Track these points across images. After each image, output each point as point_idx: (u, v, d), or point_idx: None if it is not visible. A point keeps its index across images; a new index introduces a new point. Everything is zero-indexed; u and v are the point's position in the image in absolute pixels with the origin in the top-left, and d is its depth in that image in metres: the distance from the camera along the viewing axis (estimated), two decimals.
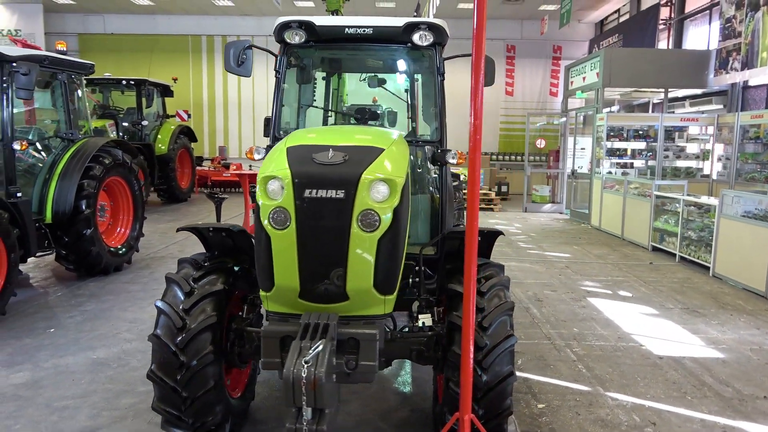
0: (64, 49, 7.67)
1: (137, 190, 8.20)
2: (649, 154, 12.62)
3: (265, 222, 2.93)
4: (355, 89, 7.09)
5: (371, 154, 3.16)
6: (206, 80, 20.49)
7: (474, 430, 3.14)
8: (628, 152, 12.82)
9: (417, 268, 3.89)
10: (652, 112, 15.07)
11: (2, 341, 5.28)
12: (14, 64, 6.23)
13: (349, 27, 4.56)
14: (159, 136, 15.08)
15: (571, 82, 14.95)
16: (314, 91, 5.90)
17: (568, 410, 4.15)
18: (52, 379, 4.51)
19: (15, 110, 6.48)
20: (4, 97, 6.31)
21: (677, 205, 9.33)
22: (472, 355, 2.94)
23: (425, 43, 4.50)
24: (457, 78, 20.13)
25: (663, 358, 5.19)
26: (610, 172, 12.58)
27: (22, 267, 7.77)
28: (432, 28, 4.54)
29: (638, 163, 12.89)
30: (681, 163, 12.85)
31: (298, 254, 2.89)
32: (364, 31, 4.56)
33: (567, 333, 5.78)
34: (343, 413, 4.04)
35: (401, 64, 5.41)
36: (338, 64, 5.63)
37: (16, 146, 6.33)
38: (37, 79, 6.40)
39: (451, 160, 4.63)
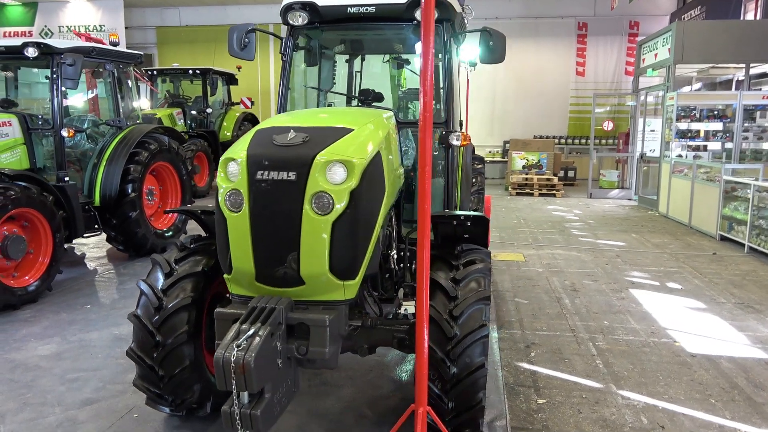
0: (116, 40, 8.06)
1: (185, 175, 8.53)
2: (726, 136, 11.58)
3: (222, 204, 2.93)
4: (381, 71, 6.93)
5: (334, 134, 3.06)
6: (273, 68, 20.96)
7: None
8: (701, 134, 11.82)
9: (402, 253, 3.78)
10: (736, 89, 13.80)
11: (42, 315, 5.68)
12: (62, 56, 6.62)
13: (351, 6, 4.45)
14: (224, 123, 15.65)
15: (643, 60, 13.97)
16: (334, 74, 5.85)
17: (570, 407, 3.90)
18: (74, 352, 4.79)
19: (79, 100, 6.91)
20: (54, 87, 6.73)
21: (748, 190, 8.51)
22: (426, 345, 2.80)
23: None
24: (529, 58, 19.30)
25: (696, 357, 4.76)
26: (680, 156, 11.67)
27: (82, 247, 8.34)
28: (437, 3, 4.33)
29: (713, 145, 11.87)
30: (766, 145, 11.70)
31: (252, 237, 2.86)
32: (367, 9, 4.44)
33: (595, 326, 5.44)
34: (334, 398, 4.02)
35: (408, 43, 5.23)
36: (345, 44, 5.51)
37: (64, 133, 6.74)
38: (83, 70, 6.78)
39: (454, 142, 4.45)
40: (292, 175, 2.81)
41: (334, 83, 5.82)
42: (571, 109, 19.59)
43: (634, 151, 14.25)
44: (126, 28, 20.16)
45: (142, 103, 15.55)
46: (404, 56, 5.99)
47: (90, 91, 8.40)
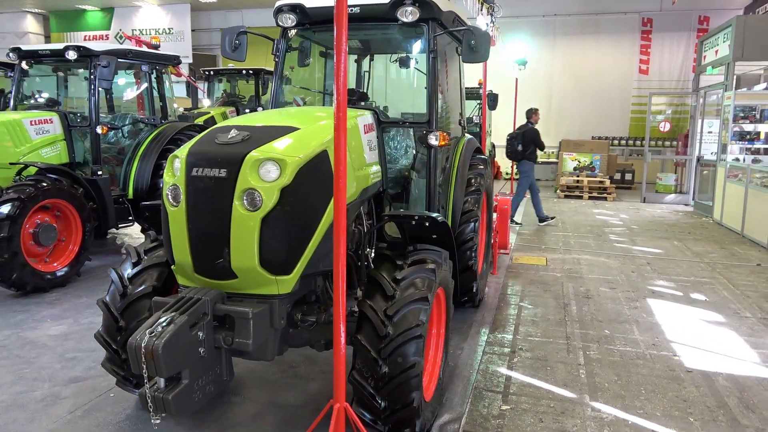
0: (157, 43, 8.54)
1: None
2: None
3: (165, 199, 3.08)
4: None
5: (276, 133, 3.15)
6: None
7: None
8: (761, 136, 11.01)
9: (359, 251, 3.82)
10: None
11: (65, 298, 6.13)
12: (98, 58, 7.09)
13: None
14: None
15: (704, 57, 13.17)
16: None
17: (533, 416, 3.79)
18: (80, 333, 5.15)
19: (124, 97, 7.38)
20: (91, 87, 7.22)
21: None
22: (343, 342, 2.83)
23: (410, 20, 4.30)
24: (588, 55, 18.62)
25: (691, 372, 4.49)
26: (737, 159, 10.93)
27: (123, 237, 8.89)
28: (420, 3, 4.33)
29: None
30: None
31: (188, 231, 3.00)
32: (352, 10, 4.50)
33: (593, 334, 5.23)
34: (299, 390, 4.11)
35: (397, 43, 5.24)
36: (331, 45, 5.56)
37: (98, 130, 7.22)
38: (126, 71, 7.24)
39: (432, 142, 4.44)
40: (223, 172, 2.93)
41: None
42: (633, 109, 18.74)
43: (692, 153, 13.46)
44: (192, 30, 21.17)
45: (204, 101, 16.35)
46: (410, 56, 5.99)
47: (131, 91, 8.90)
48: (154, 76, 8.28)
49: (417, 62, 5.92)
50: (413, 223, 3.74)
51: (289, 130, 3.23)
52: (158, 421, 2.70)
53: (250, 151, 2.95)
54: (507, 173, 16.61)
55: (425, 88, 4.59)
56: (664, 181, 14.58)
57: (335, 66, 2.66)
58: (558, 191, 15.11)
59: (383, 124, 4.50)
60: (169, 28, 21.02)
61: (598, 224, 10.88)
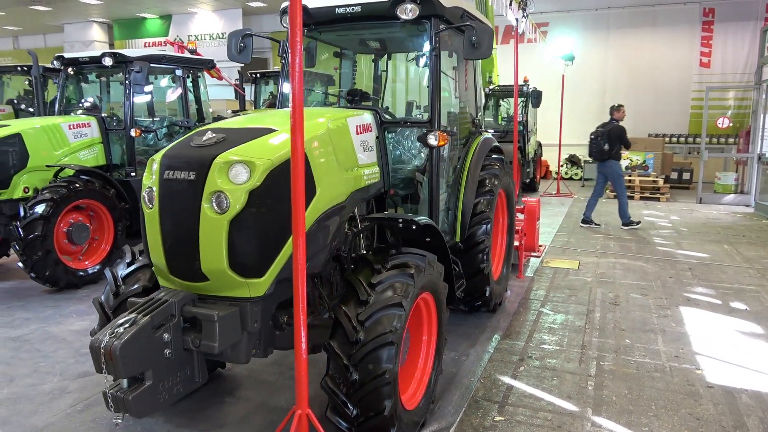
0: (194, 47, 8.78)
1: None
2: None
3: (142, 201, 3.14)
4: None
5: (251, 135, 3.15)
6: None
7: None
8: None
9: (353, 254, 3.75)
10: None
11: (94, 295, 6.35)
12: (132, 64, 7.36)
13: (338, 7, 4.50)
14: None
15: (767, 48, 12.30)
16: (354, 74, 5.91)
17: (527, 428, 3.62)
18: None
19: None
20: (126, 92, 7.50)
21: None
22: (304, 348, 2.78)
23: (411, 17, 4.21)
24: (644, 49, 17.91)
25: (713, 388, 4.17)
26: None
27: None
28: (420, 0, 4.22)
29: None
30: None
31: (161, 233, 3.03)
32: (353, 9, 4.46)
33: (612, 344, 4.96)
34: (294, 395, 4.08)
35: (401, 41, 5.13)
36: (341, 45, 5.51)
37: (132, 133, 7.49)
38: (149, 75, 7.48)
39: (432, 142, 4.33)
40: (192, 175, 2.94)
41: (354, 83, 5.88)
42: (694, 105, 17.75)
43: (754, 151, 12.60)
44: None
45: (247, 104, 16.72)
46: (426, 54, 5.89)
47: (171, 94, 9.19)
48: (190, 79, 8.51)
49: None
50: (400, 225, 3.65)
51: (266, 131, 3.22)
52: (119, 421, 2.74)
53: (219, 153, 2.95)
54: (557, 173, 16.14)
55: (427, 86, 4.48)
56: (723, 181, 13.73)
57: (290, 65, 2.62)
58: (607, 191, 14.50)
59: (385, 124, 4.43)
60: (222, 33, 21.65)
61: (645, 226, 10.36)
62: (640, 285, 6.69)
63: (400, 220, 3.62)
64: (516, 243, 6.97)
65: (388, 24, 4.55)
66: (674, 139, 17.54)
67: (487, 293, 5.29)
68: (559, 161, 15.67)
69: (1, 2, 20.19)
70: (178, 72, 8.28)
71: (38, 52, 9.38)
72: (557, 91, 15.15)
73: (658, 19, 17.71)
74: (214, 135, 3.13)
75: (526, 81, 14.26)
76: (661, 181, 13.85)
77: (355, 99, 4.76)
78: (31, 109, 10.81)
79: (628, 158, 14.97)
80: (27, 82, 11.39)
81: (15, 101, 12.65)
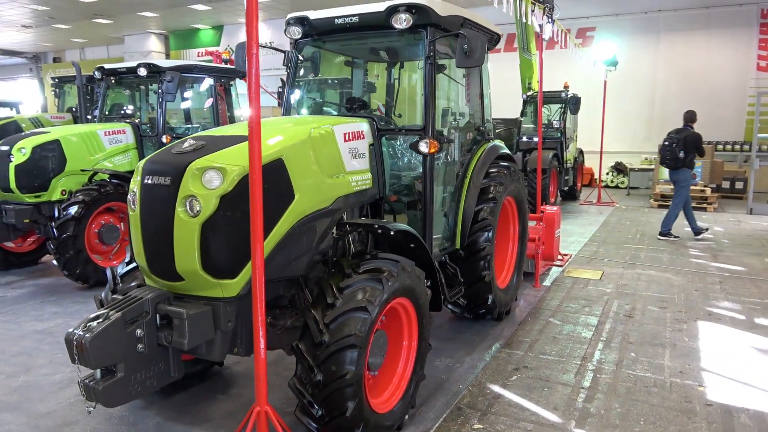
0: (227, 57, 9.13)
1: None
2: None
3: (127, 203, 3.34)
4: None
5: (228, 142, 3.30)
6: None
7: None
8: None
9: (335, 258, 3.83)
10: None
11: None
12: (164, 73, 7.74)
13: (338, 17, 4.62)
14: None
15: None
16: (365, 82, 6.00)
17: None
18: None
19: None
20: (158, 100, 7.89)
21: None
22: (263, 346, 2.88)
23: (405, 26, 4.29)
24: (696, 52, 17.27)
25: (711, 406, 4.00)
26: None
27: None
28: (415, 9, 4.29)
29: None
30: None
31: (141, 234, 3.22)
32: (351, 19, 4.57)
33: (614, 357, 4.83)
34: (284, 393, 4.20)
35: (400, 50, 5.19)
36: (347, 54, 5.60)
37: (163, 139, 7.86)
38: (180, 84, 7.85)
39: (423, 149, 4.38)
40: (168, 180, 3.11)
41: (364, 90, 5.97)
42: (750, 110, 16.90)
43: None
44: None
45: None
46: (439, 62, 5.92)
47: (207, 102, 9.58)
48: (215, 88, 8.84)
49: (445, 68, 5.85)
50: (378, 232, 3.71)
51: (243, 139, 3.35)
52: (91, 409, 2.92)
53: (192, 160, 3.11)
54: (604, 181, 15.71)
55: (422, 95, 4.53)
56: None
57: (247, 71, 2.74)
58: (651, 200, 14.01)
59: (381, 132, 4.50)
60: (269, 42, 22.28)
61: (684, 237, 9.96)
62: (661, 298, 6.47)
63: (377, 227, 3.68)
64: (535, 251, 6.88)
65: (385, 33, 4.64)
66: (728, 147, 16.75)
67: (490, 301, 5.26)
68: (600, 169, 15.24)
69: (67, 16, 21.53)
70: (209, 81, 8.62)
71: (102, 62, 9.96)
72: (599, 97, 14.79)
73: (712, 22, 17.00)
74: (194, 142, 3.30)
75: (566, 87, 13.99)
76: (708, 191, 13.26)
77: (353, 107, 4.86)
78: (89, 117, 11.49)
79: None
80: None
81: (74, 109, 13.50)
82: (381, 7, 4.40)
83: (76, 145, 7.31)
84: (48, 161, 7.07)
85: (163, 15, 21.62)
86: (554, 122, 13.76)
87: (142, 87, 8.77)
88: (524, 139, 13.23)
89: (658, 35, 17.74)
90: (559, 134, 13.47)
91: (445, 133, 5.04)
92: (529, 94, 14.02)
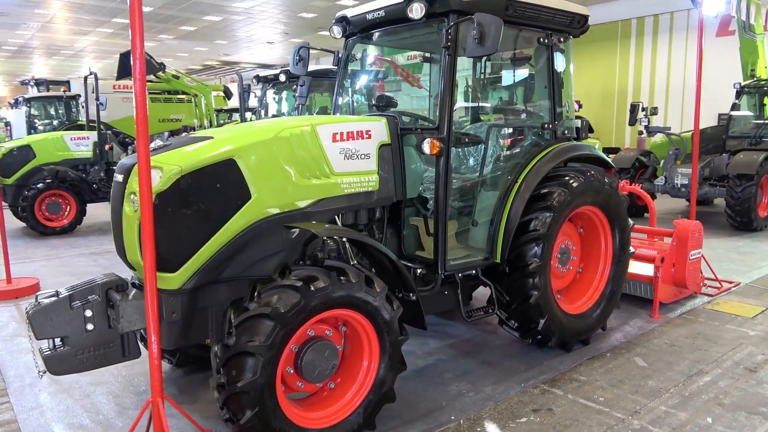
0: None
1: None
2: None
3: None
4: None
5: (187, 143, 3.49)
6: (633, 64, 19.16)
7: None
8: None
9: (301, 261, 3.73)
10: None
11: None
12: (298, 79, 8.35)
13: (368, 12, 4.52)
14: None
15: None
16: (443, 77, 5.67)
17: None
18: None
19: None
20: (295, 101, 8.56)
21: None
22: (155, 339, 2.95)
23: (418, 16, 4.02)
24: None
25: None
26: None
27: None
28: None
29: None
30: None
31: (113, 226, 3.57)
32: (379, 14, 4.43)
33: (682, 418, 3.74)
34: None
35: (427, 42, 4.74)
36: (384, 50, 5.31)
37: None
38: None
39: (425, 149, 4.03)
40: (120, 178, 3.40)
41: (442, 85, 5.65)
42: None
43: None
44: None
45: None
46: (523, 53, 5.37)
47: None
48: None
49: (531, 60, 5.25)
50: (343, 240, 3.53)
51: (203, 139, 3.49)
52: (43, 373, 3.34)
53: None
54: None
55: (439, 90, 4.12)
56: None
57: (132, 71, 2.83)
58: None
59: (403, 131, 4.24)
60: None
61: None
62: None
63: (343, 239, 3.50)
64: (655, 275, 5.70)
65: (415, 26, 4.34)
66: None
67: (541, 326, 4.53)
68: None
69: (300, 31, 24.39)
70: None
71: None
72: None
73: None
74: (162, 144, 3.54)
75: None
76: None
77: (379, 105, 4.64)
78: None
79: None
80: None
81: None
82: None
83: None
84: None
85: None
86: None
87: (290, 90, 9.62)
88: (734, 136, 10.98)
89: None
90: None
91: (484, 130, 4.50)
92: (748, 82, 11.56)
